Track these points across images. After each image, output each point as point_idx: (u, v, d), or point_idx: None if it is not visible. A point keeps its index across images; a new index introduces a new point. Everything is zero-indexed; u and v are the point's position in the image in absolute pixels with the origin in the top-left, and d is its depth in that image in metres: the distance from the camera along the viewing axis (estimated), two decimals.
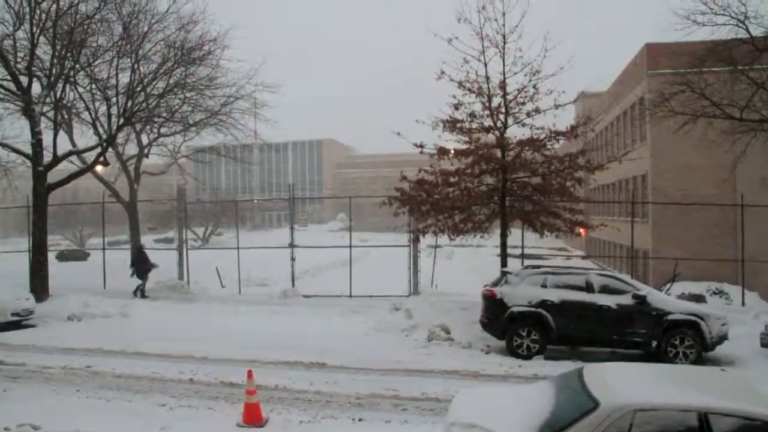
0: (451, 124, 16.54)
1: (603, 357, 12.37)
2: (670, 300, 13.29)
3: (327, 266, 31.00)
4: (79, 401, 9.43)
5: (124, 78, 20.79)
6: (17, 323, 15.88)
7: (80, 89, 20.79)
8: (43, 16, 17.92)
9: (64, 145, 21.89)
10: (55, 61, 18.54)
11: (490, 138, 16.78)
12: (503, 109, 16.33)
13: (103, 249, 24.26)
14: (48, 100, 19.54)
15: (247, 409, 8.30)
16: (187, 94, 25.25)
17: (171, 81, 23.16)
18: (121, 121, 20.28)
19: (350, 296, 20.17)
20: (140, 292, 20.76)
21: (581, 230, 19.20)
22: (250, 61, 48.30)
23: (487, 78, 16.25)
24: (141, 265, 21.12)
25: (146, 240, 33.82)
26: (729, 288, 22.71)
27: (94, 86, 20.78)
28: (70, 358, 12.10)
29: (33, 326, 16.06)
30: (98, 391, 9.95)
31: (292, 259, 21.72)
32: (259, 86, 26.69)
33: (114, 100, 20.25)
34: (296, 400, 9.44)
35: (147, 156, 31.73)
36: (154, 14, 22.37)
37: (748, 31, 15.85)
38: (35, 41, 18.01)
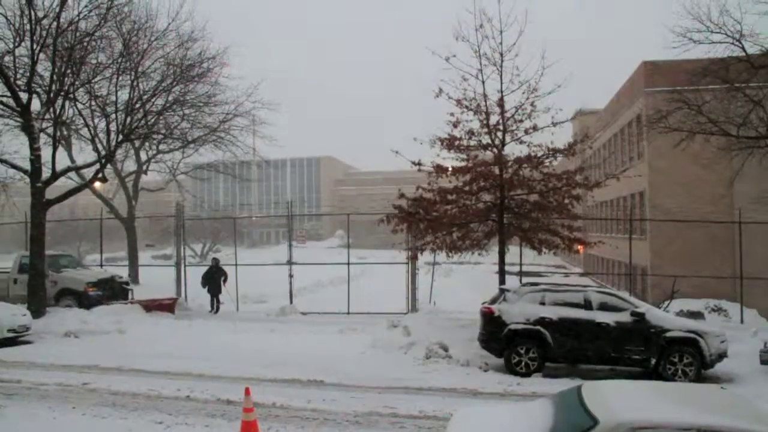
0: (449, 142, 16.60)
1: (602, 374, 12.32)
2: (669, 317, 13.26)
3: (325, 283, 30.94)
4: (75, 419, 9.33)
5: (124, 95, 20.93)
6: (13, 339, 15.76)
7: (80, 106, 20.86)
8: (44, 33, 18.00)
9: (62, 161, 21.88)
10: (54, 77, 18.61)
11: (488, 155, 16.85)
12: (501, 127, 16.41)
13: (101, 265, 24.19)
14: (47, 116, 19.59)
15: (244, 427, 8.21)
16: (186, 111, 25.46)
17: (170, 98, 23.37)
18: (120, 137, 20.34)
19: (348, 313, 20.12)
20: (216, 308, 21.25)
21: (579, 247, 19.22)
22: (249, 78, 48.36)
23: (485, 96, 16.38)
24: (218, 280, 21.43)
25: (144, 257, 33.75)
26: (728, 305, 22.70)
27: (93, 103, 20.85)
28: (66, 375, 12.02)
29: (29, 343, 15.95)
30: (94, 408, 9.85)
31: (290, 276, 21.69)
32: (258, 104, 26.96)
33: (113, 116, 20.33)
34: (293, 417, 9.36)
35: (145, 172, 31.87)
36: (154, 32, 22.68)
37: (743, 49, 15.98)
38: (35, 58, 18.08)
